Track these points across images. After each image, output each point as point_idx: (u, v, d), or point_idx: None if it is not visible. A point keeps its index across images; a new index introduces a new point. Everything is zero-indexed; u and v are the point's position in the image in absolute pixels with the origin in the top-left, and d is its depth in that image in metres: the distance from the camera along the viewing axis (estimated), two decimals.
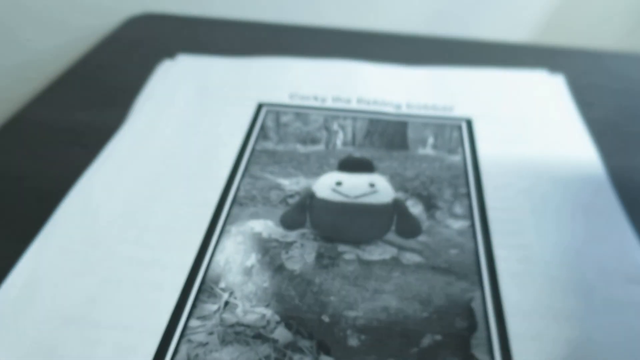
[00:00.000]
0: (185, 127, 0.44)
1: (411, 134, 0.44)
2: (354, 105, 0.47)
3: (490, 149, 0.42)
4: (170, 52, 0.55)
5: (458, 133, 0.44)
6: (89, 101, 0.49)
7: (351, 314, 0.30)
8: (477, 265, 0.33)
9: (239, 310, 0.31)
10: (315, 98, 0.48)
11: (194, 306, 0.31)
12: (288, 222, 0.36)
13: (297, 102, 0.47)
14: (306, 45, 0.58)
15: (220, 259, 0.33)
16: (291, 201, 0.38)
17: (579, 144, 0.43)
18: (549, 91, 0.49)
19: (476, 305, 0.31)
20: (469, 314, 0.30)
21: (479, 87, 0.50)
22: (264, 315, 0.30)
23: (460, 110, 0.47)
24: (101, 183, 0.39)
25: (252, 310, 0.31)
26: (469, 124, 0.45)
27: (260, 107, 0.47)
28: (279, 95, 0.48)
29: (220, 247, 0.34)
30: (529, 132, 0.44)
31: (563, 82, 0.51)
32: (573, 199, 0.38)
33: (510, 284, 0.32)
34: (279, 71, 0.51)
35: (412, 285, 0.32)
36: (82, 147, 0.42)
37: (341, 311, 0.30)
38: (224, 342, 0.29)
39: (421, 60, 0.54)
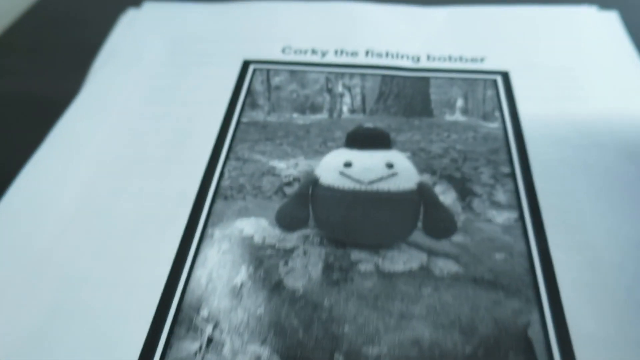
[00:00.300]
0: (155, 96, 0.35)
1: (435, 94, 0.35)
2: (361, 59, 0.38)
3: (535, 110, 0.34)
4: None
5: (493, 91, 0.35)
6: (39, 64, 0.40)
7: (372, 350, 0.23)
8: (531, 274, 0.26)
9: (226, 350, 0.23)
10: (314, 51, 0.39)
11: (167, 345, 0.24)
12: (286, 221, 0.28)
13: (291, 57, 0.38)
14: None
15: (201, 275, 0.26)
16: (289, 191, 0.30)
17: None
18: (601, 31, 0.40)
19: (534, 332, 0.24)
20: (526, 345, 0.23)
21: (514, 31, 0.40)
22: (259, 357, 0.23)
23: (493, 61, 0.38)
24: (48, 175, 0.30)
25: (243, 350, 0.23)
26: (506, 78, 0.36)
27: (246, 65, 0.38)
28: (269, 49, 0.39)
29: (200, 258, 0.27)
30: (581, 84, 0.36)
31: (617, 19, 0.41)
32: None
33: (576, 300, 0.25)
34: (267, 19, 0.42)
35: (449, 307, 0.25)
36: (31, 125, 0.34)
37: (359, 347, 0.23)
38: None
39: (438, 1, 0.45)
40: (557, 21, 0.41)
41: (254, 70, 0.37)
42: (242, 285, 0.26)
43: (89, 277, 0.26)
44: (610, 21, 0.41)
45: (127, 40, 0.40)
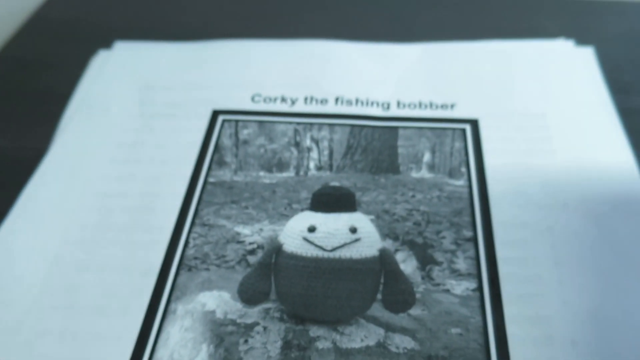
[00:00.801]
0: (121, 154, 0.36)
1: (402, 147, 0.35)
2: (331, 107, 0.38)
3: (502, 165, 0.34)
4: (106, 37, 0.44)
5: (461, 143, 0.35)
6: (5, 117, 0.40)
7: None
8: (485, 352, 0.26)
9: None
10: (284, 99, 0.38)
11: None
12: (248, 295, 0.29)
13: (260, 106, 0.38)
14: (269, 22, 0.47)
15: (163, 355, 0.27)
16: (252, 260, 0.30)
17: (619, 154, 0.34)
18: (576, 71, 0.40)
19: None
20: None
21: (488, 70, 0.40)
22: None
23: (463, 108, 0.37)
24: (14, 250, 0.31)
25: None
26: (475, 126, 0.36)
27: (215, 115, 0.38)
28: (239, 96, 0.39)
29: (163, 336, 0.27)
30: (551, 134, 0.35)
31: (593, 55, 0.41)
32: (617, 243, 0.30)
33: None
34: (238, 61, 0.42)
35: None
36: None
37: None
38: None
39: (413, 35, 0.44)
40: (532, 58, 0.41)
41: (223, 122, 0.37)
42: None
43: (54, 357, 0.27)
44: (586, 59, 0.41)
45: (96, 89, 0.40)
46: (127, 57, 0.42)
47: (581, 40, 0.42)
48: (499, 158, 0.34)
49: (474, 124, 0.36)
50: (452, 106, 0.37)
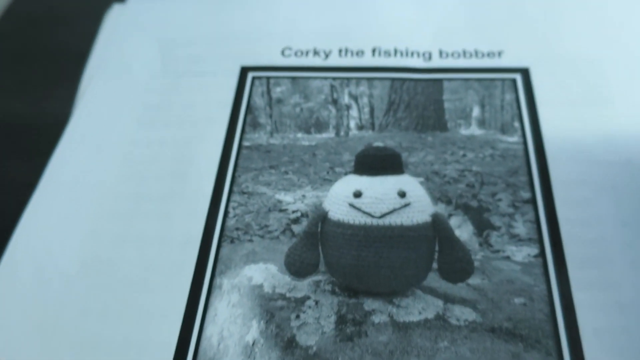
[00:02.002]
0: (148, 116, 0.33)
1: (449, 101, 0.33)
2: (368, 59, 0.35)
3: (558, 118, 0.31)
4: None
5: (512, 94, 0.33)
6: (22, 80, 0.37)
7: None
8: (552, 322, 0.25)
9: None
10: (316, 52, 0.36)
11: None
12: (296, 267, 0.27)
13: (292, 60, 0.35)
14: None
15: (213, 333, 0.25)
16: (297, 229, 0.29)
17: None
18: (634, 8, 0.36)
19: None
20: None
21: (535, 13, 0.37)
22: None
23: (512, 56, 0.34)
24: (47, 228, 0.29)
25: None
26: (526, 76, 0.33)
27: (244, 72, 0.35)
28: (268, 50, 0.36)
29: (210, 313, 0.26)
30: (608, 81, 0.33)
31: None
32: None
33: (598, 350, 0.24)
34: (265, 10, 0.38)
35: None
36: (19, 160, 0.32)
37: None
38: None
39: None
40: None
41: (253, 80, 0.35)
42: (254, 343, 0.25)
43: (99, 337, 0.26)
44: None
45: (114, 47, 0.37)
46: (144, 11, 0.39)
47: None
48: (555, 110, 0.32)
49: (525, 73, 0.33)
50: (499, 54, 0.35)
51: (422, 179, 0.30)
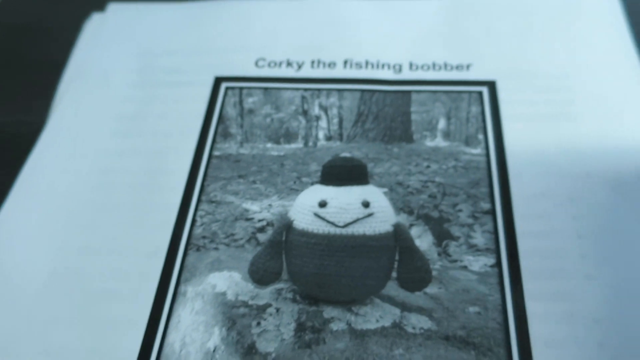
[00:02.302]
0: (122, 126, 0.34)
1: (416, 113, 0.33)
2: (339, 71, 0.36)
3: (521, 131, 0.32)
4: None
5: (478, 107, 0.33)
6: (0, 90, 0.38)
7: None
8: (504, 331, 0.25)
9: None
10: (289, 64, 0.36)
11: None
12: (259, 275, 0.28)
13: (265, 71, 0.36)
14: None
15: (175, 339, 0.26)
16: (262, 238, 0.29)
17: None
18: (600, 25, 0.37)
19: None
20: None
21: (506, 26, 0.37)
22: None
23: (480, 69, 0.35)
24: (18, 234, 0.30)
25: None
26: (492, 89, 0.34)
27: (218, 83, 0.36)
28: (243, 60, 0.37)
29: (174, 320, 0.27)
30: (573, 97, 0.33)
31: (618, 6, 0.38)
32: None
33: (546, 359, 0.24)
34: (241, 23, 0.39)
35: None
36: None
37: None
38: None
39: None
40: (554, 12, 0.38)
41: (226, 90, 0.35)
42: (215, 349, 0.26)
43: (66, 346, 0.26)
44: (612, 11, 0.38)
45: (92, 57, 0.38)
46: (123, 21, 0.40)
47: None
48: (519, 123, 0.32)
49: (492, 86, 0.34)
50: (468, 67, 0.35)
51: (386, 190, 0.30)
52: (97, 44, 0.39)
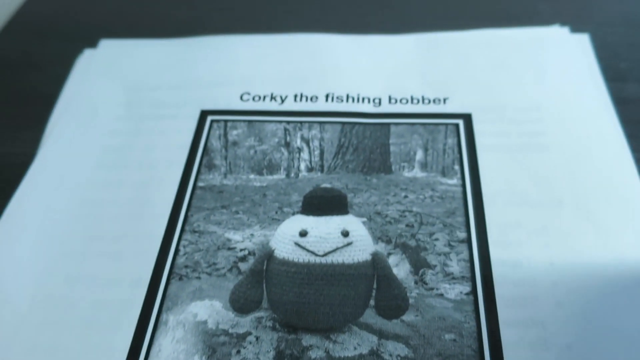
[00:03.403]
0: (108, 159, 0.35)
1: (394, 145, 0.35)
2: (321, 104, 0.37)
3: (495, 162, 0.33)
4: (91, 35, 0.43)
5: (454, 139, 0.35)
6: None
7: None
8: (479, 358, 0.26)
9: None
10: (273, 97, 0.38)
11: None
12: (240, 303, 0.29)
13: (249, 104, 0.37)
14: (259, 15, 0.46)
15: None
16: (243, 267, 0.30)
17: (615, 147, 0.34)
18: (571, 60, 0.39)
19: None
20: None
21: (482, 61, 0.39)
22: None
23: (456, 102, 0.37)
24: (3, 263, 0.30)
25: None
26: (468, 121, 0.35)
27: (203, 116, 0.37)
28: (228, 95, 0.38)
29: (154, 349, 0.27)
30: (545, 129, 0.35)
31: (588, 43, 0.40)
32: (612, 242, 0.29)
33: None
34: (227, 58, 0.41)
35: None
36: None
37: None
38: None
39: (404, 25, 0.43)
40: (527, 47, 0.40)
41: (212, 123, 0.36)
42: None
43: None
44: (582, 46, 0.40)
45: (82, 91, 0.39)
46: (113, 56, 0.41)
47: (576, 23, 0.41)
48: (493, 154, 0.34)
49: (467, 118, 0.36)
50: (444, 100, 0.37)
51: (365, 219, 0.31)
52: (87, 78, 0.40)
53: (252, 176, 0.34)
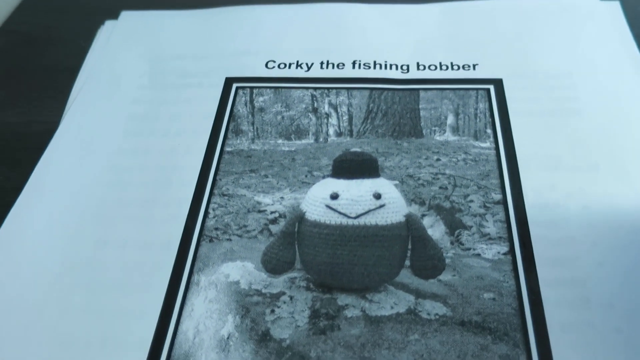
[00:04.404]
0: (135, 126, 0.34)
1: (424, 110, 0.34)
2: (348, 71, 0.36)
3: (529, 126, 0.33)
4: (112, 7, 0.43)
5: (485, 103, 0.34)
6: (15, 93, 0.39)
7: None
8: (520, 316, 0.25)
9: None
10: (299, 65, 0.37)
11: None
12: (272, 264, 0.28)
13: (275, 72, 0.37)
14: None
15: (189, 327, 0.26)
16: (275, 229, 0.29)
17: None
18: (602, 27, 0.38)
19: None
20: None
21: (510, 29, 0.38)
22: None
23: (486, 68, 0.36)
24: (31, 226, 0.30)
25: None
26: (499, 86, 0.35)
27: (229, 84, 0.36)
28: (253, 63, 0.38)
29: (187, 308, 0.27)
30: (578, 94, 0.34)
31: (619, 10, 0.39)
32: None
33: (564, 343, 0.24)
34: (250, 28, 0.40)
35: (437, 354, 0.24)
36: (11, 165, 0.33)
37: None
38: None
39: None
40: (556, 14, 0.39)
41: (237, 90, 0.36)
42: (229, 336, 0.26)
43: (79, 335, 0.26)
44: (613, 13, 0.39)
45: (104, 61, 0.39)
46: (135, 27, 0.41)
47: None
48: (526, 118, 0.33)
49: (498, 83, 0.35)
50: (474, 66, 0.36)
51: (397, 182, 0.31)
52: (109, 49, 0.40)
53: (280, 141, 0.33)
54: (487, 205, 0.29)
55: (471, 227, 0.29)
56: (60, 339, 0.26)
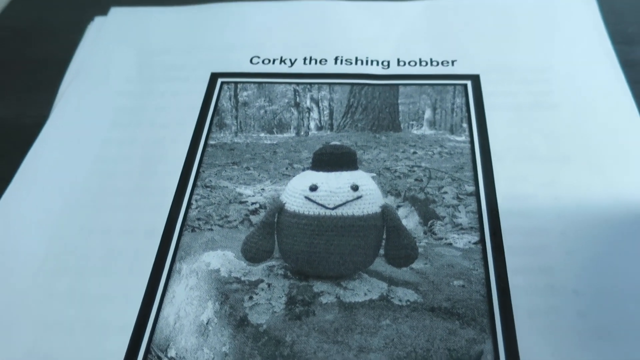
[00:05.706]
0: (121, 118, 0.35)
1: (403, 104, 0.35)
2: (330, 67, 0.37)
3: (504, 120, 0.34)
4: (101, 3, 0.44)
5: (462, 98, 0.35)
6: (3, 86, 0.40)
7: None
8: (488, 302, 0.26)
9: None
10: (283, 60, 0.38)
11: None
12: (252, 253, 0.29)
13: (259, 67, 0.38)
14: None
15: (170, 313, 0.27)
16: (255, 220, 0.30)
17: (622, 106, 0.34)
18: (578, 24, 0.39)
19: None
20: None
21: (489, 25, 0.39)
22: None
23: (464, 64, 0.37)
24: (18, 214, 0.31)
25: None
26: (476, 82, 0.36)
27: (214, 78, 0.37)
28: (238, 58, 0.38)
29: (168, 295, 0.28)
30: (553, 88, 0.35)
31: (595, 6, 0.40)
32: (619, 193, 0.30)
33: (529, 329, 0.25)
34: (236, 24, 0.41)
35: (406, 338, 0.26)
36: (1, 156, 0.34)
37: None
38: None
39: None
40: (534, 10, 0.40)
41: (222, 84, 0.37)
42: (208, 322, 0.27)
43: (63, 319, 0.27)
44: (588, 10, 0.40)
45: (93, 55, 0.40)
46: (124, 23, 0.42)
47: None
48: (501, 112, 0.34)
49: (475, 79, 0.36)
50: (452, 62, 0.37)
51: (374, 174, 0.32)
52: (98, 44, 0.41)
53: (262, 134, 0.34)
54: (460, 196, 0.30)
55: (444, 217, 0.30)
56: (45, 323, 0.27)
